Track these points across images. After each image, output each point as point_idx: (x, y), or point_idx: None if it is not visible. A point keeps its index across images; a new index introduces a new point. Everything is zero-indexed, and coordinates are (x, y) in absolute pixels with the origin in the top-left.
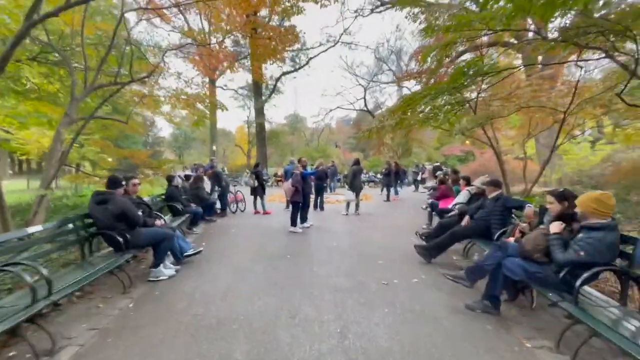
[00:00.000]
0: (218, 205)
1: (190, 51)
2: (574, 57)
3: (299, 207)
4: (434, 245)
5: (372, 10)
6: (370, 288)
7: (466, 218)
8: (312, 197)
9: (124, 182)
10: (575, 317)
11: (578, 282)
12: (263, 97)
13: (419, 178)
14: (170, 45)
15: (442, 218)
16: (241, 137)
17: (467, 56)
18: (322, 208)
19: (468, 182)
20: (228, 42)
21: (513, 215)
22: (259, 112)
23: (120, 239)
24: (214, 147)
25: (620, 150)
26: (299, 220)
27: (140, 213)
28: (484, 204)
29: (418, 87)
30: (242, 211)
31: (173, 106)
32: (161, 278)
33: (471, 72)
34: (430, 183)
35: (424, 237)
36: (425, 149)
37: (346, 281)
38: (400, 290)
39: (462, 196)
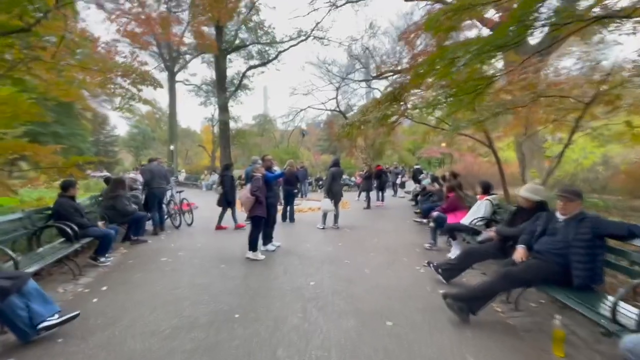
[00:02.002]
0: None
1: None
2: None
3: (261, 224)
4: (472, 294)
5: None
6: None
7: (520, 250)
8: (280, 206)
9: None
10: None
11: None
12: (227, 93)
13: (398, 181)
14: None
15: (453, 237)
16: (207, 138)
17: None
18: (292, 219)
19: (487, 189)
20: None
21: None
22: (223, 108)
23: None
24: (172, 147)
25: (609, 153)
26: (260, 241)
27: None
28: (550, 227)
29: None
30: (188, 225)
31: (82, 82)
32: None
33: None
34: (412, 187)
35: (440, 271)
36: (398, 151)
37: None
38: None
39: (483, 209)
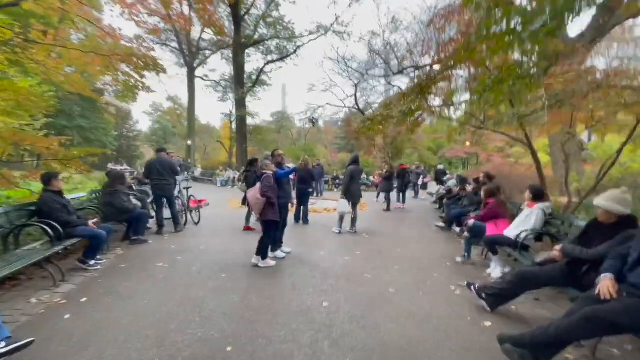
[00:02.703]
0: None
1: None
2: None
3: (273, 229)
4: (540, 339)
5: None
6: None
7: (608, 281)
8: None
9: None
10: None
11: None
12: (245, 89)
13: (420, 182)
14: None
15: (494, 252)
16: (225, 134)
17: None
18: (305, 221)
19: (538, 196)
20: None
21: None
22: (240, 104)
23: None
24: (189, 142)
25: None
26: (270, 247)
27: None
28: None
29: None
30: (195, 224)
31: (82, 66)
32: None
33: None
34: (435, 189)
35: (484, 295)
36: (418, 150)
37: None
38: None
39: (533, 219)
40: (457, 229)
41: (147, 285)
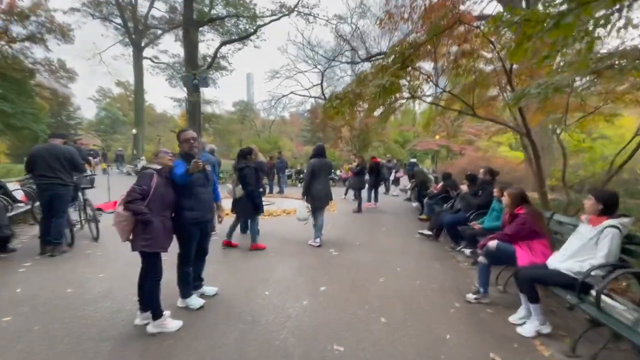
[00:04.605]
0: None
1: None
2: None
3: (156, 265)
4: None
5: None
6: None
7: None
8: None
9: None
10: None
11: None
12: (198, 71)
13: (391, 177)
14: None
15: (532, 297)
16: (183, 124)
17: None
18: (254, 231)
19: (612, 206)
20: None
21: None
22: (192, 87)
23: None
24: (134, 131)
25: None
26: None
27: None
28: None
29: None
30: (94, 239)
31: None
32: None
33: None
34: (409, 185)
35: None
36: (386, 143)
37: None
38: None
39: (606, 244)
40: (467, 251)
41: None
